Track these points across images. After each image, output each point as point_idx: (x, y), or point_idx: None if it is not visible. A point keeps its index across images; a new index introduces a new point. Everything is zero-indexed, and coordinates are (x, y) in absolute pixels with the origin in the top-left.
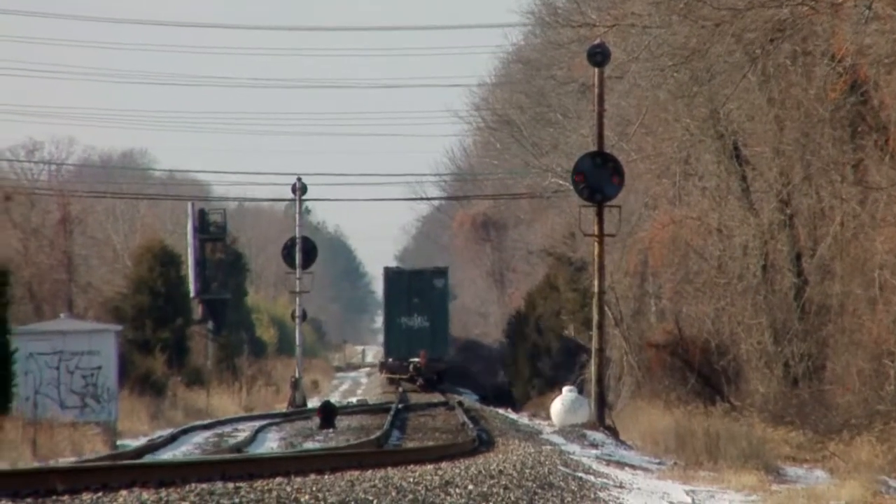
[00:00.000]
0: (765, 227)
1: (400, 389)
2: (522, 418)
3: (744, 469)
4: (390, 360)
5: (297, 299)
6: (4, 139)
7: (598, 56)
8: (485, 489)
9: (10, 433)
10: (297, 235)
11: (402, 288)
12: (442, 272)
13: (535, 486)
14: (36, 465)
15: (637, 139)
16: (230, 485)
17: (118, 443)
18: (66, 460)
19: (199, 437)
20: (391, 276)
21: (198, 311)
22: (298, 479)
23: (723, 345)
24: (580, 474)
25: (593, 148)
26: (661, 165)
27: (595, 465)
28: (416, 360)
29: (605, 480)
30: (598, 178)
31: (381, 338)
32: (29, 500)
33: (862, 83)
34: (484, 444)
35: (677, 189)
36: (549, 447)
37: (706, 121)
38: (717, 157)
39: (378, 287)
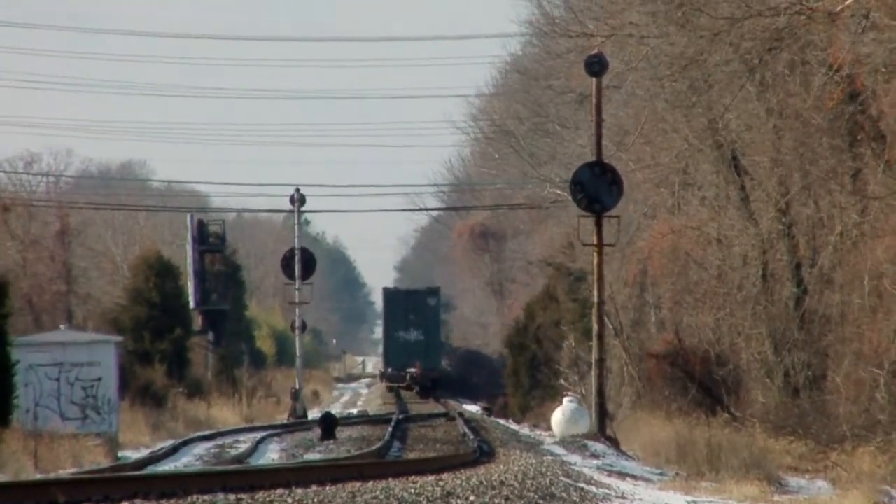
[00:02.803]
0: (764, 236)
1: (399, 398)
2: (523, 429)
3: (745, 479)
4: (389, 370)
5: (297, 310)
6: (2, 151)
7: (596, 66)
8: (486, 500)
9: (10, 445)
10: (296, 246)
11: (400, 305)
12: (434, 291)
13: (536, 496)
14: (37, 477)
15: (635, 149)
16: (231, 496)
17: (119, 454)
18: (68, 472)
19: (200, 449)
20: (389, 295)
21: (197, 322)
22: (300, 491)
23: (723, 355)
24: (581, 485)
25: (591, 158)
26: (659, 175)
27: (596, 476)
28: (413, 370)
29: (606, 491)
30: (597, 187)
31: (380, 349)
32: None
33: (860, 92)
34: (485, 454)
35: (676, 199)
36: (550, 458)
37: (704, 130)
38: (716, 166)
39: (377, 297)
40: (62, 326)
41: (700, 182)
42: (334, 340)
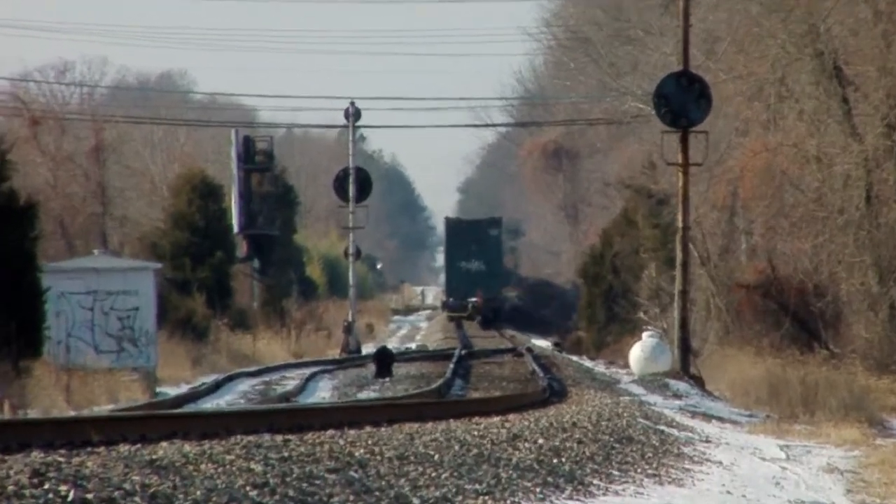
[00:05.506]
0: (869, 154)
1: (462, 330)
2: (598, 366)
3: (844, 422)
4: (451, 300)
5: (351, 235)
6: (33, 59)
7: None
8: (556, 443)
9: (42, 379)
10: (351, 165)
11: (462, 236)
12: (497, 222)
13: (611, 439)
14: (70, 413)
15: (727, 58)
16: (278, 437)
17: (157, 390)
18: (102, 409)
19: (245, 385)
20: (452, 225)
21: (242, 248)
22: (352, 432)
23: (821, 285)
24: (662, 427)
25: (677, 68)
26: (753, 87)
27: (678, 418)
28: (475, 299)
29: (689, 434)
30: (683, 101)
31: (441, 279)
32: (63, 450)
33: None
34: (556, 394)
35: (771, 113)
36: (627, 398)
37: (804, 37)
38: (816, 77)
39: (437, 222)
40: (96, 251)
41: (798, 94)
42: (379, 265)
